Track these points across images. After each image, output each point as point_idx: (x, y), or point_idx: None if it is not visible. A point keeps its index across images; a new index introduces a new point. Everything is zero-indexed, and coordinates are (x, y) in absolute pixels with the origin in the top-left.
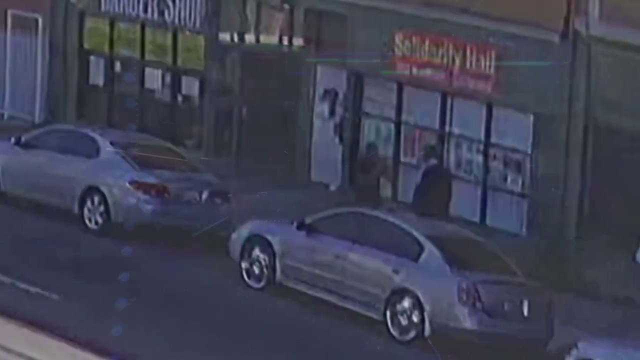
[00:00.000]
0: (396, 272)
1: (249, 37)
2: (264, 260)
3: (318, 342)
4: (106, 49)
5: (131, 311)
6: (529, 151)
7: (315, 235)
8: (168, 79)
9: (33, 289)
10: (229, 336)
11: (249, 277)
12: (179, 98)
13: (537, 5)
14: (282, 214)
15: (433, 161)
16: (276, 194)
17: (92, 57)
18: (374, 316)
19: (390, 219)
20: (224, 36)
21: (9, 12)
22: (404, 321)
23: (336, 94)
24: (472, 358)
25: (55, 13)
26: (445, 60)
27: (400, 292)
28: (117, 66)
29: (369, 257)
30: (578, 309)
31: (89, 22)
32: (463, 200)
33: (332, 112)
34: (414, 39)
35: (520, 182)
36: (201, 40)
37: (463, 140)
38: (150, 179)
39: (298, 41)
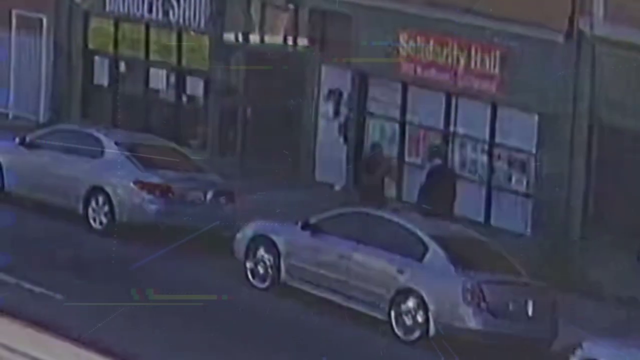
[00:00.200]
0: (401, 272)
1: (254, 37)
2: (269, 260)
3: (322, 342)
4: (111, 49)
5: (135, 311)
6: (534, 151)
7: (319, 235)
8: (173, 79)
9: (37, 289)
10: (233, 336)
11: (253, 277)
12: (184, 98)
13: (541, 6)
14: (286, 214)
15: (437, 161)
16: (281, 194)
17: (96, 57)
18: (379, 316)
19: (395, 219)
20: (229, 36)
21: (14, 12)
22: (408, 321)
23: (341, 94)
24: (476, 358)
25: (59, 13)
26: (449, 60)
27: (404, 292)
28: (122, 66)
29: (373, 257)
30: (582, 309)
31: (93, 22)
32: (468, 200)
33: (336, 112)
34: (418, 39)
35: (524, 182)
36: (206, 40)
37: (467, 140)
38: (155, 179)
39: (302, 41)
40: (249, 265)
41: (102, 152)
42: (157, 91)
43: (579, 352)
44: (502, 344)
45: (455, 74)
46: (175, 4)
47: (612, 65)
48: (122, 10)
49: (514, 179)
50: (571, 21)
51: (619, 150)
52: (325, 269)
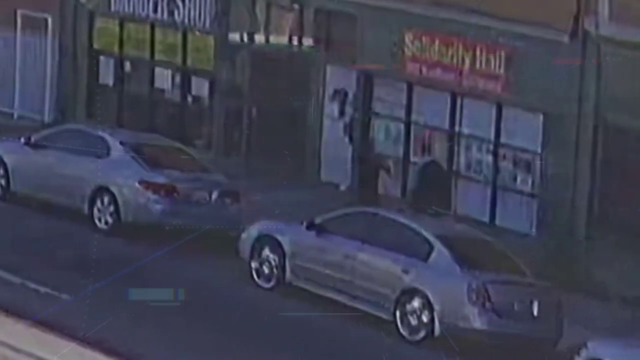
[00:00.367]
0: (406, 272)
1: (259, 37)
2: (274, 260)
3: (327, 342)
4: (116, 49)
5: (140, 311)
6: (539, 151)
7: (325, 235)
8: (178, 79)
9: (42, 289)
10: (238, 336)
11: (258, 277)
12: (189, 98)
13: (546, 6)
14: (291, 213)
15: (429, 158)
16: (286, 193)
17: (101, 57)
18: (384, 316)
19: (400, 219)
20: (234, 36)
21: (19, 12)
22: (413, 321)
23: (346, 94)
24: (481, 358)
25: (64, 13)
26: (454, 60)
27: (409, 292)
28: (127, 66)
29: (378, 257)
30: (587, 309)
31: (98, 22)
32: (473, 200)
33: (341, 112)
34: (423, 39)
35: (529, 182)
36: (211, 40)
37: (473, 140)
38: (160, 179)
39: (308, 41)
40: (254, 265)
41: (108, 152)
42: (162, 91)
43: (584, 352)
44: (507, 344)
45: (461, 74)
46: (180, 4)
47: (617, 65)
48: (127, 10)
49: (519, 179)
50: (576, 21)
51: (624, 150)
52: (330, 269)
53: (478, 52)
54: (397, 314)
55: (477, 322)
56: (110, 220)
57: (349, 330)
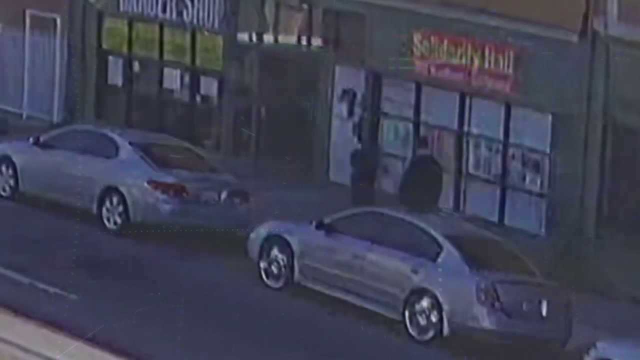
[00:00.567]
0: (415, 272)
1: (268, 37)
2: (283, 260)
3: (336, 342)
4: (125, 49)
5: (149, 311)
6: (548, 151)
7: (333, 235)
8: (187, 79)
9: (52, 289)
10: (247, 336)
11: (267, 277)
12: (198, 98)
13: (555, 5)
14: (300, 213)
15: (423, 151)
16: (294, 193)
17: (110, 57)
18: (393, 316)
19: (409, 218)
20: (243, 36)
21: (28, 12)
22: (422, 321)
23: (354, 94)
24: (490, 358)
25: (73, 13)
26: (463, 60)
27: (419, 292)
28: (136, 66)
29: (387, 257)
30: (596, 309)
31: (107, 22)
32: (482, 200)
33: (350, 112)
34: (432, 39)
35: (538, 182)
36: (219, 40)
37: (481, 140)
38: (169, 179)
39: (316, 41)
40: (262, 265)
41: (117, 152)
42: (171, 91)
43: (593, 352)
44: (516, 344)
45: (469, 74)
46: (189, 4)
47: (626, 65)
48: (136, 10)
49: (527, 179)
50: (585, 21)
51: (633, 150)
52: (339, 269)
53: (487, 52)
54: (406, 313)
55: (486, 322)
56: (119, 220)
57: (357, 331)
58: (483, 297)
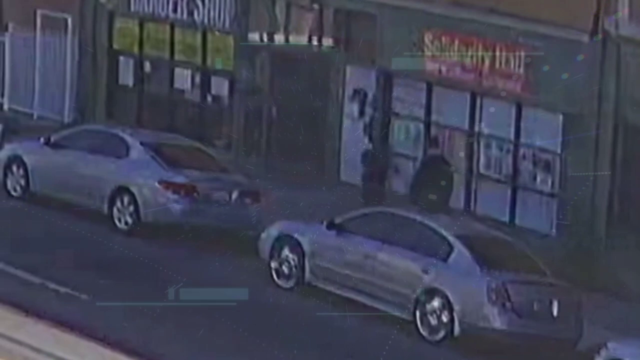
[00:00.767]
0: (426, 272)
1: (278, 37)
2: (293, 260)
3: (347, 342)
4: (135, 49)
5: (160, 311)
6: (559, 151)
7: (344, 235)
8: (197, 79)
9: (62, 289)
10: (257, 336)
11: (278, 276)
12: (209, 98)
13: (566, 5)
14: (311, 213)
15: (434, 151)
16: (305, 193)
17: (121, 57)
18: (404, 316)
19: (420, 218)
20: (253, 36)
21: (39, 12)
22: (433, 321)
23: (365, 94)
24: (501, 358)
25: (84, 13)
26: (474, 60)
27: (429, 292)
28: (147, 66)
29: (398, 257)
30: (607, 308)
31: (118, 22)
32: (492, 200)
33: (361, 112)
34: (443, 38)
35: (549, 182)
36: (230, 40)
37: (492, 140)
38: (180, 179)
39: (327, 41)
40: (273, 265)
41: (127, 152)
42: (182, 91)
43: (604, 352)
44: (527, 344)
45: (480, 74)
46: (200, 4)
47: (637, 64)
48: (147, 10)
49: (538, 179)
50: (596, 21)
51: None
52: (350, 269)
53: (498, 52)
54: (417, 314)
55: (497, 322)
56: (130, 220)
57: (368, 331)
58: (494, 297)
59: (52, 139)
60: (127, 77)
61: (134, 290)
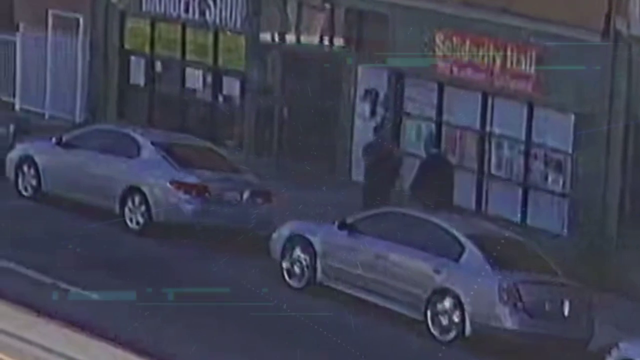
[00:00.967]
0: (437, 272)
1: (290, 37)
2: (305, 260)
3: (359, 342)
4: (147, 49)
5: (172, 311)
6: (570, 151)
7: (356, 235)
8: (209, 79)
9: (74, 289)
10: (269, 336)
11: (289, 276)
12: (220, 98)
13: (577, 6)
14: (322, 213)
15: (434, 150)
16: (317, 193)
17: (132, 57)
18: (415, 316)
19: (431, 218)
20: (265, 36)
21: (50, 12)
22: (444, 321)
23: (377, 94)
24: (512, 358)
25: (96, 13)
26: (486, 60)
27: (441, 292)
28: (158, 66)
29: (409, 257)
30: (619, 308)
31: (129, 22)
32: (504, 200)
33: (373, 112)
34: (454, 39)
35: (561, 182)
36: (242, 40)
37: (504, 140)
38: (191, 179)
39: (339, 41)
40: (285, 265)
41: (139, 152)
42: (193, 91)
43: (615, 352)
44: (538, 344)
45: (492, 74)
46: (211, 3)
47: None
48: (159, 10)
49: (550, 179)
50: (607, 21)
51: None
52: (361, 269)
53: (509, 52)
54: (428, 313)
55: (509, 322)
56: (141, 220)
57: (380, 331)
58: (505, 297)
59: (64, 139)
60: (138, 77)
61: (145, 290)
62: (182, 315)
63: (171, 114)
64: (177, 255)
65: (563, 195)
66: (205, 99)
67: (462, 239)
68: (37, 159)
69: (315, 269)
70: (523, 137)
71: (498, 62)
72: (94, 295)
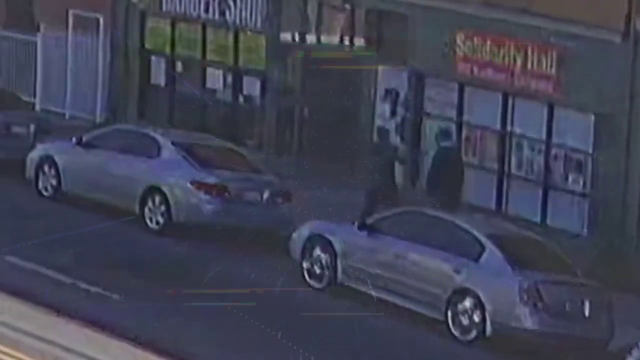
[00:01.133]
0: (457, 272)
1: (310, 37)
2: (325, 260)
3: (379, 343)
4: (167, 49)
5: (192, 311)
6: (590, 151)
7: (376, 235)
8: (229, 79)
9: (94, 289)
10: (289, 336)
11: (310, 277)
12: (240, 98)
13: (598, 5)
14: (343, 213)
15: (445, 144)
16: (337, 193)
17: (153, 57)
18: (435, 316)
19: (451, 218)
20: (285, 36)
21: (71, 12)
22: (465, 321)
23: (397, 94)
24: (532, 358)
25: (116, 13)
26: (506, 60)
27: (461, 292)
28: (179, 66)
29: (430, 257)
30: (639, 308)
31: (150, 22)
32: (524, 200)
33: (393, 112)
34: (475, 39)
35: (581, 182)
36: (262, 40)
37: (524, 140)
38: (211, 179)
39: (359, 41)
40: (305, 265)
41: (159, 152)
42: (213, 91)
43: (635, 352)
44: (559, 344)
45: (512, 74)
46: (231, 3)
47: None
48: (179, 10)
49: (570, 179)
50: (628, 21)
51: None
52: (381, 269)
53: (529, 52)
54: (449, 314)
55: (529, 322)
56: (161, 220)
57: (400, 331)
58: (526, 298)
59: (84, 139)
60: (159, 77)
61: (165, 290)
62: (202, 315)
63: (191, 114)
64: (196, 255)
65: (583, 195)
66: (225, 99)
67: (483, 239)
68: (57, 159)
69: (335, 269)
70: (543, 137)
71: (518, 62)
72: (114, 295)
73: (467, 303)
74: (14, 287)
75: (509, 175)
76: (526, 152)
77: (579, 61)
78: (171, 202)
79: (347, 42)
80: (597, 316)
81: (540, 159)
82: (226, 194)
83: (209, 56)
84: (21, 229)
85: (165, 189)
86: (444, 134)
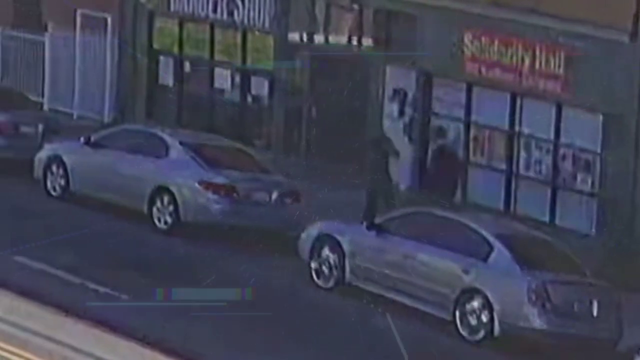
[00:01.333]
0: (466, 272)
1: (318, 37)
2: (334, 260)
3: (387, 343)
4: (175, 49)
5: (200, 311)
6: (599, 151)
7: (384, 235)
8: (237, 79)
9: (102, 289)
10: (297, 336)
11: (318, 277)
12: (249, 98)
13: (606, 5)
14: (351, 214)
15: (441, 142)
16: (345, 193)
17: (161, 57)
18: (443, 316)
19: (460, 218)
20: (293, 36)
21: (79, 12)
22: (473, 321)
23: (405, 94)
24: (541, 358)
25: (124, 13)
26: (514, 60)
27: (469, 292)
28: (187, 66)
29: (438, 257)
30: None
31: (158, 22)
32: (532, 200)
33: (401, 112)
34: (483, 39)
35: (589, 182)
36: (270, 40)
37: (532, 140)
38: (220, 179)
39: (367, 41)
40: (313, 265)
41: (167, 152)
42: (221, 91)
43: None
44: (567, 344)
45: (520, 74)
46: (239, 3)
47: None
48: (187, 10)
49: (578, 179)
50: (636, 21)
51: None
52: (390, 269)
53: (538, 52)
54: (457, 314)
55: (537, 322)
56: (169, 220)
57: (408, 330)
58: (534, 297)
59: (92, 139)
60: (167, 77)
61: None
62: (210, 316)
63: (200, 114)
64: (204, 255)
65: (591, 195)
66: (233, 99)
67: (491, 239)
68: (65, 159)
69: (344, 269)
70: (552, 137)
71: (527, 62)
72: (123, 295)
73: (476, 303)
74: (22, 287)
75: (517, 175)
76: (534, 152)
77: (587, 61)
78: (179, 202)
79: (355, 42)
80: (606, 316)
81: (548, 159)
82: (234, 194)
83: (217, 56)
84: (30, 229)
85: (173, 189)
86: (441, 132)
